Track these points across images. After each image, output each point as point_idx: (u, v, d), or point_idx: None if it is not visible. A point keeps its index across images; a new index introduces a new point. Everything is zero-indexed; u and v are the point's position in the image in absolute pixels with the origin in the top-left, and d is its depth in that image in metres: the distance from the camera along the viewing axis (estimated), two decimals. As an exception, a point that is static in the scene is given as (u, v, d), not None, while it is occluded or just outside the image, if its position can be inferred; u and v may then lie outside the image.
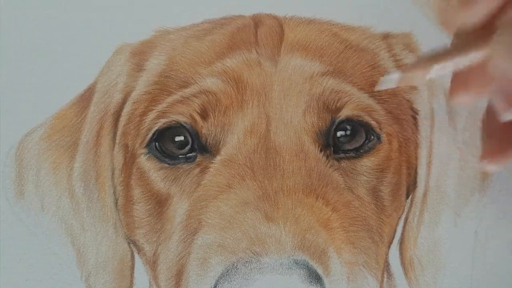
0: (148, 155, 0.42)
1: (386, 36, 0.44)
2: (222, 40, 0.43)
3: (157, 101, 0.42)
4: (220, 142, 0.40)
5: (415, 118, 0.44)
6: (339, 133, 0.41)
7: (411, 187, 0.44)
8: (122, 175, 0.43)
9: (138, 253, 0.43)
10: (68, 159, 0.43)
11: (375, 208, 0.41)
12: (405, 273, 0.43)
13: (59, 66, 0.44)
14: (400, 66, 0.44)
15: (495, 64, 0.31)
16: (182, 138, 0.41)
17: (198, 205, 0.40)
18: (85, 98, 0.43)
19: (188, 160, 0.41)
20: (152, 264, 0.41)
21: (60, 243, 0.42)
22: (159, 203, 0.41)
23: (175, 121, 0.41)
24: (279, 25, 0.43)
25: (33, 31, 0.44)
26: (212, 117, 0.40)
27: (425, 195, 0.43)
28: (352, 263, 0.39)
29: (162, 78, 0.42)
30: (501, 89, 0.32)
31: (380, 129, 0.42)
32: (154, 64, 0.43)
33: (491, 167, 0.35)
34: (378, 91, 0.42)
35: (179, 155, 0.41)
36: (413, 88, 0.44)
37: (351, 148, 0.41)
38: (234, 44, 0.42)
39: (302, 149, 0.40)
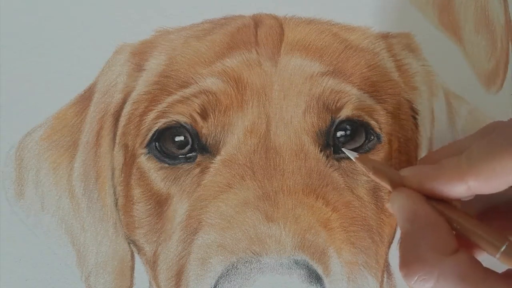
0: (148, 155, 0.42)
1: (386, 36, 0.44)
2: (222, 40, 0.43)
3: (157, 101, 0.42)
4: (220, 142, 0.40)
5: (415, 118, 0.44)
6: (339, 133, 0.41)
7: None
8: (122, 175, 0.43)
9: (138, 253, 0.43)
10: (68, 159, 0.43)
11: (375, 208, 0.41)
12: (405, 273, 0.43)
13: (59, 66, 0.44)
14: (400, 66, 0.44)
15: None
16: (182, 138, 0.41)
17: (198, 205, 0.40)
18: (85, 98, 0.43)
19: (188, 160, 0.41)
20: (152, 264, 0.41)
21: (60, 243, 0.42)
22: (159, 203, 0.41)
23: (175, 121, 0.41)
24: (279, 25, 0.43)
25: (33, 31, 0.44)
26: (212, 117, 0.40)
27: (425, 195, 0.43)
28: (352, 263, 0.39)
29: (162, 78, 0.42)
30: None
31: (380, 129, 0.42)
32: (154, 64, 0.43)
33: None
34: (378, 92, 0.42)
35: (179, 155, 0.41)
36: (413, 88, 0.44)
37: (351, 148, 0.41)
38: (234, 44, 0.42)
39: (302, 149, 0.40)
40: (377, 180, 0.37)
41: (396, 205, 0.35)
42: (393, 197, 0.35)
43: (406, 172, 0.35)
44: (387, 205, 0.37)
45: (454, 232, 0.33)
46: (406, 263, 0.32)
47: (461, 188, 0.32)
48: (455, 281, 0.30)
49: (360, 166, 0.39)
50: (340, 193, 0.40)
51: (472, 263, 0.31)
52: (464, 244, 0.34)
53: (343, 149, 0.40)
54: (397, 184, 0.35)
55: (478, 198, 0.34)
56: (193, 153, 0.41)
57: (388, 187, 0.36)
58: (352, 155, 0.39)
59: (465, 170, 0.32)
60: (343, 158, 0.41)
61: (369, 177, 0.38)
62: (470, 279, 0.30)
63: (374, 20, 0.44)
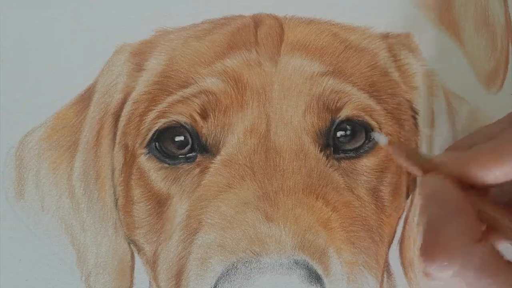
0: (148, 155, 0.42)
1: (386, 36, 0.44)
2: (222, 40, 0.43)
3: (157, 101, 0.42)
4: (220, 142, 0.40)
5: (415, 118, 0.44)
6: (339, 133, 0.41)
7: (411, 187, 0.44)
8: (122, 175, 0.43)
9: (138, 253, 0.43)
10: (68, 159, 0.43)
11: (375, 208, 0.41)
12: (405, 273, 0.43)
13: (59, 66, 0.44)
14: (400, 66, 0.44)
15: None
16: (182, 138, 0.41)
17: (198, 205, 0.40)
18: (85, 98, 0.43)
19: (188, 160, 0.41)
20: (152, 264, 0.41)
21: (60, 243, 0.42)
22: (159, 203, 0.41)
23: (175, 121, 0.41)
24: (279, 25, 0.43)
25: (33, 31, 0.44)
26: (212, 117, 0.40)
27: (425, 195, 0.43)
28: (352, 263, 0.39)
29: (162, 78, 0.42)
30: None
31: (380, 129, 0.42)
32: (154, 64, 0.43)
33: None
34: (378, 92, 0.42)
35: (179, 155, 0.41)
36: (413, 88, 0.44)
37: (351, 148, 0.41)
38: (234, 44, 0.42)
39: (302, 149, 0.40)
40: (409, 165, 0.36)
41: (425, 189, 0.33)
42: (423, 180, 0.34)
43: (440, 158, 0.34)
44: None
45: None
46: (429, 248, 0.31)
47: (497, 173, 0.31)
48: (477, 270, 0.30)
49: (391, 151, 0.38)
50: (340, 193, 0.40)
51: (495, 253, 0.30)
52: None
53: (372, 133, 0.40)
54: (429, 170, 0.34)
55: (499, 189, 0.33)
56: (193, 153, 0.41)
57: (419, 173, 0.35)
58: (382, 140, 0.39)
59: (503, 153, 0.31)
60: (343, 158, 0.41)
61: (400, 162, 0.37)
62: (493, 269, 0.30)
63: (375, 20, 0.44)
